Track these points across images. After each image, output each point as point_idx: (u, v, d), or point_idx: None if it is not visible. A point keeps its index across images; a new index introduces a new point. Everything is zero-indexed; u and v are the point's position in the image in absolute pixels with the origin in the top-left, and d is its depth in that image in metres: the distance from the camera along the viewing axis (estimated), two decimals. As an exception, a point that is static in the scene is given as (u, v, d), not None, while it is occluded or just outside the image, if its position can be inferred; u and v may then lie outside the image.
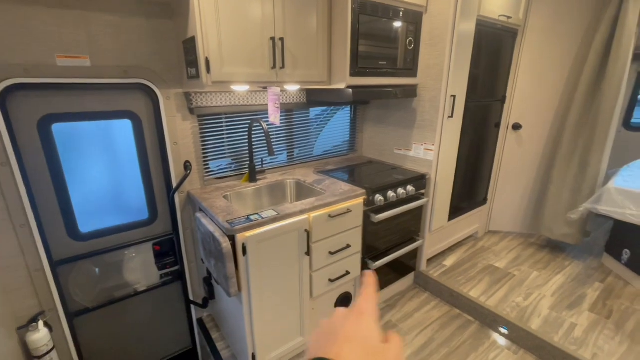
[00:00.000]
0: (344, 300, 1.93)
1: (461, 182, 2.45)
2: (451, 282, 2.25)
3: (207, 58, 1.36)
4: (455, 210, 2.47)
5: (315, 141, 2.42)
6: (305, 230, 1.55)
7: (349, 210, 1.71)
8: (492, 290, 2.15)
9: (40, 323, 1.47)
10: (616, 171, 2.32)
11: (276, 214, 1.47)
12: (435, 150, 2.09)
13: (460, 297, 2.11)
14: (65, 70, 1.36)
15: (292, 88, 1.83)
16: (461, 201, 2.53)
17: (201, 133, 1.81)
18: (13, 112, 1.32)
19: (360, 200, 1.77)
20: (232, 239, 1.36)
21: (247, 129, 1.93)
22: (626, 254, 2.24)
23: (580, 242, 2.48)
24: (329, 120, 2.51)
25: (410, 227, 2.16)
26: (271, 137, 2.11)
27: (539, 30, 2.41)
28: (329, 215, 1.63)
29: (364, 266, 1.94)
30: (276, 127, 2.12)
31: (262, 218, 1.42)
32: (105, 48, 1.43)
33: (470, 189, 2.61)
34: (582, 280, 2.26)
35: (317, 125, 2.44)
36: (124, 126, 1.62)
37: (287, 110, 2.14)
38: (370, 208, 1.85)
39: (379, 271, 2.01)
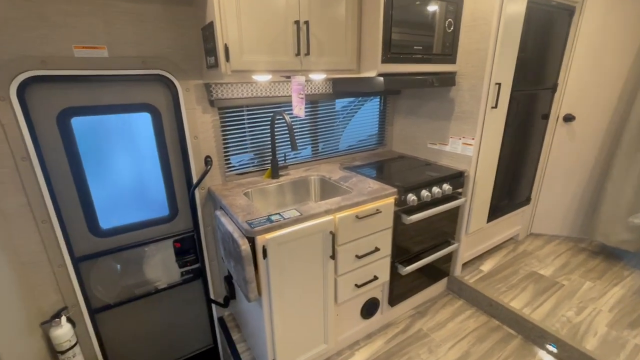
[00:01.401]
0: (371, 306, 1.80)
1: (502, 180, 2.22)
2: (489, 289, 2.04)
3: (226, 45, 1.25)
4: (495, 211, 2.25)
5: (342, 135, 2.28)
6: (331, 232, 1.43)
7: (378, 211, 1.56)
8: (537, 301, 1.93)
9: (63, 318, 1.46)
10: (692, 170, 2.00)
11: (299, 214, 1.35)
12: (475, 145, 1.88)
13: (500, 307, 1.91)
14: (82, 62, 1.31)
15: (318, 77, 1.69)
16: (502, 201, 2.30)
17: (222, 126, 1.72)
18: (32, 105, 1.29)
19: (391, 200, 1.62)
20: (251, 240, 1.26)
21: (269, 122, 1.82)
22: (702, 266, 1.93)
23: (642, 249, 2.18)
24: (355, 112, 2.35)
25: (445, 228, 1.98)
26: (295, 130, 1.99)
27: (600, 6, 2.10)
28: (357, 216, 1.49)
29: (394, 271, 1.79)
30: (300, 120, 2.00)
31: (284, 219, 1.31)
32: (122, 38, 1.36)
33: (512, 188, 2.36)
34: (646, 294, 1.98)
35: (344, 117, 2.30)
36: (144, 120, 1.56)
37: (312, 101, 2.01)
38: (402, 208, 1.69)
39: (409, 276, 1.86)
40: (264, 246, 1.27)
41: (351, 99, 2.29)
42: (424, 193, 1.72)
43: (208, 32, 1.32)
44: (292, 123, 1.96)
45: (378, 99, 2.34)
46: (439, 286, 2.19)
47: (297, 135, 2.02)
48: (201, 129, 1.65)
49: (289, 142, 1.92)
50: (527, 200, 2.54)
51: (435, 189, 1.76)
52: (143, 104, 1.52)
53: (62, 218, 1.43)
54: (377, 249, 1.64)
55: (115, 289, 1.66)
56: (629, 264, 2.27)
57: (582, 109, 2.31)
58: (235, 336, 1.90)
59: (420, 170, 1.93)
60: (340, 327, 1.71)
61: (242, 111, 1.77)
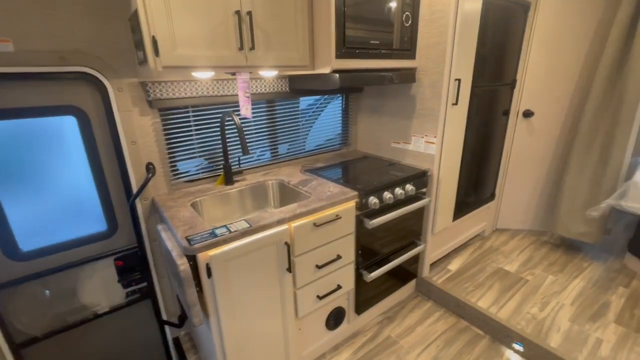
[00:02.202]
0: (336, 316, 1.70)
1: (467, 177, 2.19)
2: (457, 289, 2.01)
3: (153, 37, 1.09)
4: (461, 209, 2.22)
5: (306, 135, 2.16)
6: (285, 243, 1.31)
7: (338, 217, 1.46)
8: (503, 299, 1.92)
9: (-25, 359, 1.25)
10: (641, 161, 2.07)
11: (248, 225, 1.22)
12: (437, 143, 1.83)
13: (467, 307, 1.88)
14: (-20, 57, 1.11)
15: (268, 74, 1.57)
16: (467, 198, 2.28)
17: (165, 130, 1.55)
18: None
19: (352, 204, 1.52)
20: (192, 259, 1.11)
21: (219, 124, 1.67)
22: (653, 254, 2.00)
23: (599, 241, 2.23)
24: (320, 112, 2.25)
25: (411, 230, 1.92)
26: (250, 132, 1.85)
27: (554, 2, 2.12)
28: (314, 224, 1.38)
29: (359, 278, 1.70)
30: (256, 121, 1.86)
31: (231, 232, 1.18)
32: (31, 29, 1.17)
33: (476, 185, 2.35)
34: (604, 285, 2.02)
35: (308, 117, 2.18)
36: (69, 124, 1.36)
37: (268, 100, 1.88)
38: (364, 212, 1.60)
39: (375, 281, 1.78)
40: (207, 264, 1.13)
41: (317, 98, 2.18)
42: (387, 195, 1.64)
43: (134, 23, 1.16)
44: (246, 124, 1.82)
45: (340, 97, 2.25)
46: (408, 288, 2.13)
47: (254, 138, 1.88)
48: (140, 133, 1.48)
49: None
50: (492, 196, 2.55)
51: (398, 191, 1.69)
52: (66, 106, 1.32)
53: (-34, 242, 1.21)
54: (339, 257, 1.54)
55: (44, 318, 1.45)
56: (587, 255, 2.33)
57: (540, 104, 2.33)
58: (191, 358, 1.74)
59: (383, 171, 1.85)
60: (303, 341, 1.60)
61: (188, 112, 1.60)
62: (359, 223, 1.59)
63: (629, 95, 1.95)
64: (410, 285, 2.14)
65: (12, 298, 1.36)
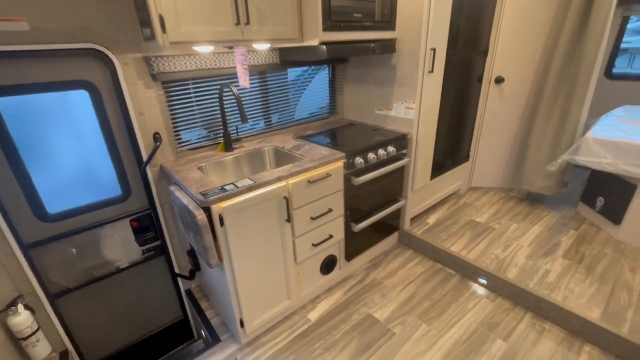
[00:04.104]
0: (329, 262, 1.96)
1: (444, 140, 2.43)
2: (434, 238, 2.30)
3: (160, 15, 1.22)
4: (438, 168, 2.48)
5: (296, 105, 2.32)
6: (284, 197, 1.52)
7: (328, 175, 1.67)
8: (472, 244, 2.22)
9: (20, 306, 1.44)
10: (595, 121, 2.33)
11: (252, 182, 1.42)
12: (415, 109, 2.03)
13: (441, 252, 2.18)
14: None
15: (261, 47, 1.70)
16: (444, 159, 2.53)
17: (168, 102, 1.69)
18: (-53, 86, 1.19)
19: (340, 163, 1.73)
20: (207, 210, 1.32)
21: (217, 95, 1.82)
22: (600, 201, 2.32)
23: (558, 193, 2.54)
24: (309, 82, 2.39)
25: (393, 187, 2.16)
26: (245, 102, 2.00)
27: (524, -27, 2.27)
28: (308, 181, 1.59)
29: (348, 229, 1.95)
30: (251, 92, 2.01)
31: (238, 187, 1.38)
32: (44, 8, 1.27)
33: (452, 146, 2.59)
34: (558, 229, 2.35)
35: (298, 88, 2.33)
36: (82, 98, 1.49)
37: (260, 72, 2.02)
38: (351, 171, 1.82)
39: (362, 232, 2.04)
40: (220, 214, 1.33)
41: (305, 69, 2.31)
42: (371, 156, 1.86)
43: (140, 2, 1.27)
44: (242, 95, 1.97)
45: (327, 69, 2.39)
46: (391, 240, 2.42)
47: (248, 107, 2.03)
48: (146, 105, 1.62)
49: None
50: (467, 157, 2.81)
51: (381, 151, 1.91)
52: (78, 81, 1.45)
53: (2, 206, 1.37)
54: (330, 210, 1.77)
55: (73, 272, 1.65)
56: (547, 206, 2.65)
57: (510, 70, 2.54)
58: (203, 304, 1.99)
59: (368, 136, 2.05)
60: (302, 283, 1.87)
61: (188, 85, 1.74)
62: (347, 181, 1.81)
63: (587, 59, 2.17)
64: (393, 237, 2.43)
65: (44, 255, 1.55)
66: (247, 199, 1.39)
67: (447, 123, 2.38)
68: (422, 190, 2.43)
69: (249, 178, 1.46)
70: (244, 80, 1.58)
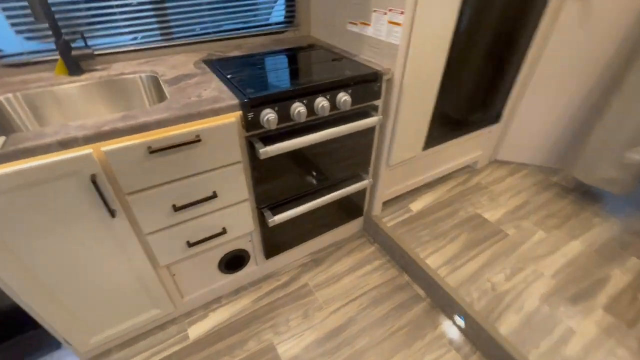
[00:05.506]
0: (233, 260, 1.34)
1: (456, 87, 1.49)
2: (409, 237, 1.57)
3: None
4: (442, 132, 1.60)
5: (225, 8, 1.45)
6: (92, 177, 0.83)
7: (197, 139, 0.92)
8: (464, 257, 1.47)
9: None
10: None
11: (4, 142, 0.73)
12: (405, 25, 1.11)
13: (412, 262, 1.46)
14: None
15: None
16: (459, 114, 1.63)
17: None
18: None
19: (232, 118, 0.96)
20: None
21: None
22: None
23: (628, 193, 1.61)
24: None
25: (351, 160, 1.37)
26: (108, -10, 1.18)
27: None
28: (149, 149, 0.86)
29: (261, 218, 1.27)
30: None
31: (-42, 156, 0.69)
32: None
33: (477, 97, 1.65)
34: (611, 251, 1.50)
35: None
36: None
37: None
38: (257, 133, 1.05)
39: (300, 218, 1.35)
40: None
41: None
42: (296, 109, 1.04)
43: None
44: (99, -25, 1.14)
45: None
46: (352, 226, 1.72)
47: (136, 6, 1.21)
48: None
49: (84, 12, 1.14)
50: (497, 118, 1.86)
51: (321, 102, 1.08)
52: None
53: None
54: (215, 195, 1.07)
55: None
56: (604, 210, 1.74)
57: (613, -31, 1.40)
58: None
59: (320, 68, 1.20)
60: (186, 286, 1.29)
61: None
62: (251, 148, 1.06)
63: None
64: (355, 223, 1.72)
65: None
66: (-14, 178, 0.72)
67: (466, 56, 1.42)
68: (406, 163, 1.61)
69: (4, 135, 0.76)
70: None
